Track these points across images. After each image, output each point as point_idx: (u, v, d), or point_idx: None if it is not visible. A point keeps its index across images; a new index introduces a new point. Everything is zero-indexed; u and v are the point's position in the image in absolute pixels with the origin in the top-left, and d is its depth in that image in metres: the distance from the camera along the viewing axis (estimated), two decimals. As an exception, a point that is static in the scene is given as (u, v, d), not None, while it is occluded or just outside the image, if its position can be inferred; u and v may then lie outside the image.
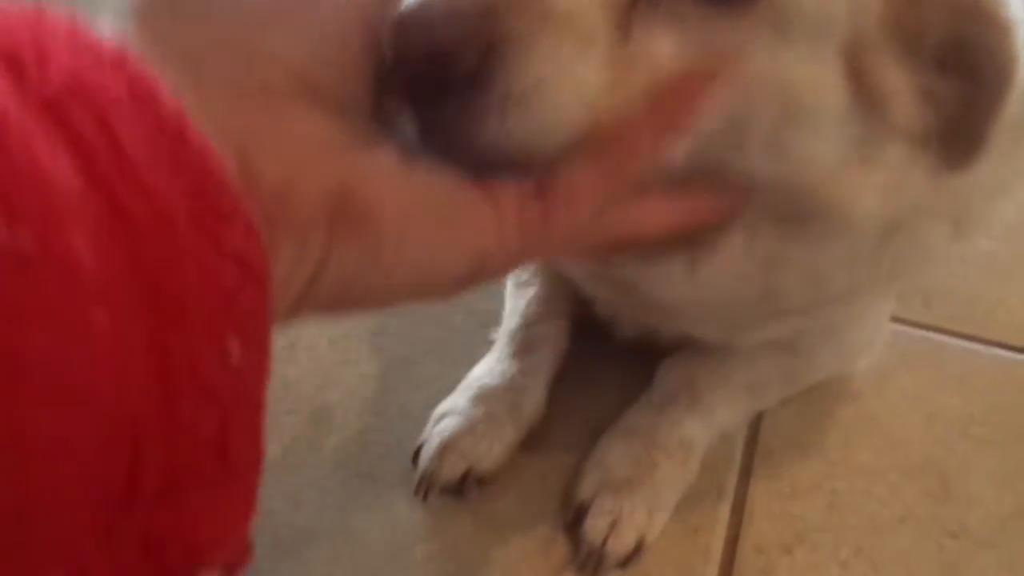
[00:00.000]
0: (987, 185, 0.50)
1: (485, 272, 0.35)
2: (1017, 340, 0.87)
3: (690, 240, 0.45)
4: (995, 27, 0.41)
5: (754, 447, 0.78)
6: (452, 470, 0.70)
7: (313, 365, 0.83)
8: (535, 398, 0.75)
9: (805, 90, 0.40)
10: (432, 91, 0.34)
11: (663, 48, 0.37)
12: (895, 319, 0.83)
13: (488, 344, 0.80)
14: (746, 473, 0.75)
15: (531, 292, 0.80)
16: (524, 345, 0.77)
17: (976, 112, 0.42)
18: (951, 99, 0.41)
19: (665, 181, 0.39)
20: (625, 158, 0.36)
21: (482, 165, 0.34)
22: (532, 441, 0.74)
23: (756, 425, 0.79)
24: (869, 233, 0.47)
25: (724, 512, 0.72)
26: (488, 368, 0.76)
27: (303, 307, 0.30)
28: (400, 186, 0.31)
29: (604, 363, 0.81)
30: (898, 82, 0.41)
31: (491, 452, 0.71)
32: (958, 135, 0.43)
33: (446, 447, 0.71)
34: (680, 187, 0.40)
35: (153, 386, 0.23)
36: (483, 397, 0.73)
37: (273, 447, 0.75)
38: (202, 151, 0.24)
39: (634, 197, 0.38)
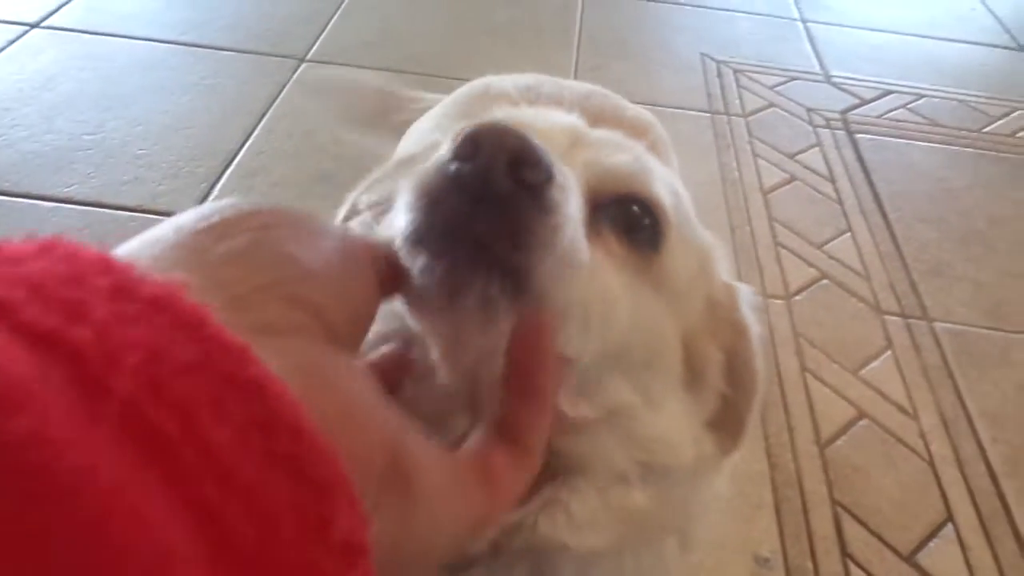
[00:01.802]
0: (700, 500, 0.56)
1: (479, 532, 0.37)
2: None
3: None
4: (749, 345, 0.52)
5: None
6: None
7: None
8: None
9: (664, 341, 0.48)
10: (502, 197, 0.36)
11: (596, 266, 0.43)
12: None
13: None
14: None
15: None
16: None
17: (740, 410, 0.52)
18: (713, 395, 0.52)
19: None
20: (552, 388, 0.40)
21: (509, 297, 0.38)
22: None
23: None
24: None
25: None
26: None
27: None
28: (430, 457, 0.33)
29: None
30: (712, 357, 0.51)
31: None
32: (729, 427, 0.52)
33: None
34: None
35: None
36: None
37: None
38: (297, 429, 0.24)
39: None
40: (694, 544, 0.58)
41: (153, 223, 0.31)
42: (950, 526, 1.08)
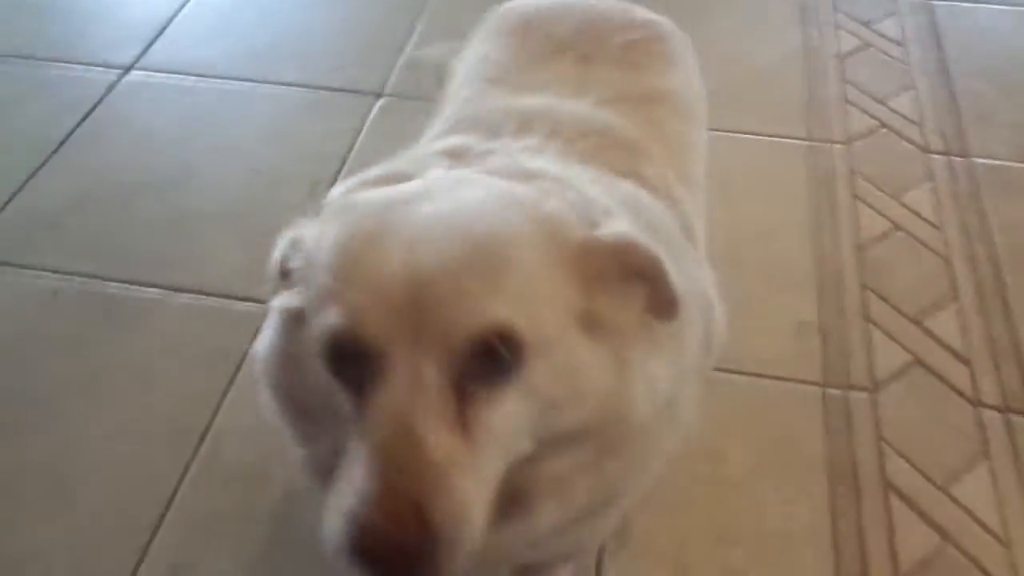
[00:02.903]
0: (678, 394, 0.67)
1: None
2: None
3: (516, 508, 0.60)
4: (641, 249, 0.59)
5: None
6: None
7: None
8: None
9: (580, 371, 0.56)
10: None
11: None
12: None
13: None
14: None
15: None
16: None
17: (659, 288, 0.60)
18: (641, 292, 0.60)
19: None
20: None
21: None
22: None
23: None
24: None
25: None
26: None
27: None
28: None
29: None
30: (611, 309, 0.58)
31: None
32: (662, 304, 0.61)
33: None
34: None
35: None
36: None
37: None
38: None
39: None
40: (682, 425, 0.70)
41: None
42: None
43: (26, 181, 1.65)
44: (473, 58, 1.02)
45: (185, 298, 1.43)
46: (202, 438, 1.24)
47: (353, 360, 0.53)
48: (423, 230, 0.54)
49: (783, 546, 1.13)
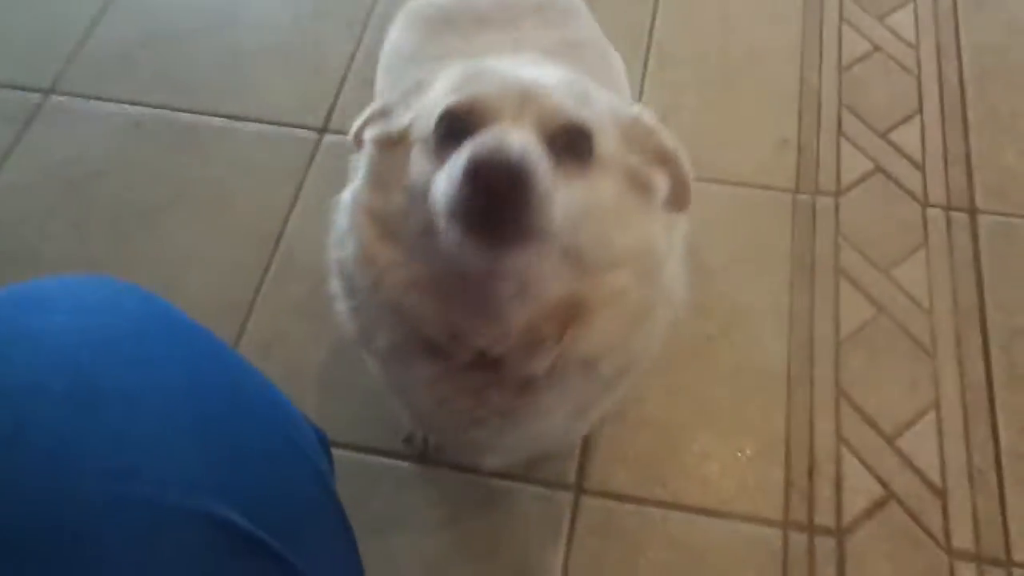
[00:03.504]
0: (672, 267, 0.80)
1: None
2: None
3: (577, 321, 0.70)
4: (668, 139, 0.74)
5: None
6: None
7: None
8: None
9: (623, 198, 0.70)
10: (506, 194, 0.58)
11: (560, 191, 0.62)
12: None
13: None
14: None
15: None
16: None
17: (676, 174, 0.74)
18: (662, 175, 0.73)
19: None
20: None
21: (518, 240, 0.60)
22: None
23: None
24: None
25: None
26: None
27: None
28: None
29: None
30: (645, 172, 0.72)
31: None
32: (676, 191, 0.74)
33: None
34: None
35: None
36: None
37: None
38: None
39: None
40: (676, 298, 0.82)
41: None
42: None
43: (98, 19, 1.85)
44: (391, 49, 1.10)
45: (249, 126, 1.67)
46: (277, 241, 1.51)
47: (461, 133, 0.64)
48: (529, 70, 0.69)
49: (748, 318, 1.41)
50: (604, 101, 0.71)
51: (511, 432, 0.80)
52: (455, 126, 0.65)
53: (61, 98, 1.72)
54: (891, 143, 1.61)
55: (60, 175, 1.62)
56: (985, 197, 1.54)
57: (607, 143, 0.68)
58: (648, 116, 0.75)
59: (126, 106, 1.71)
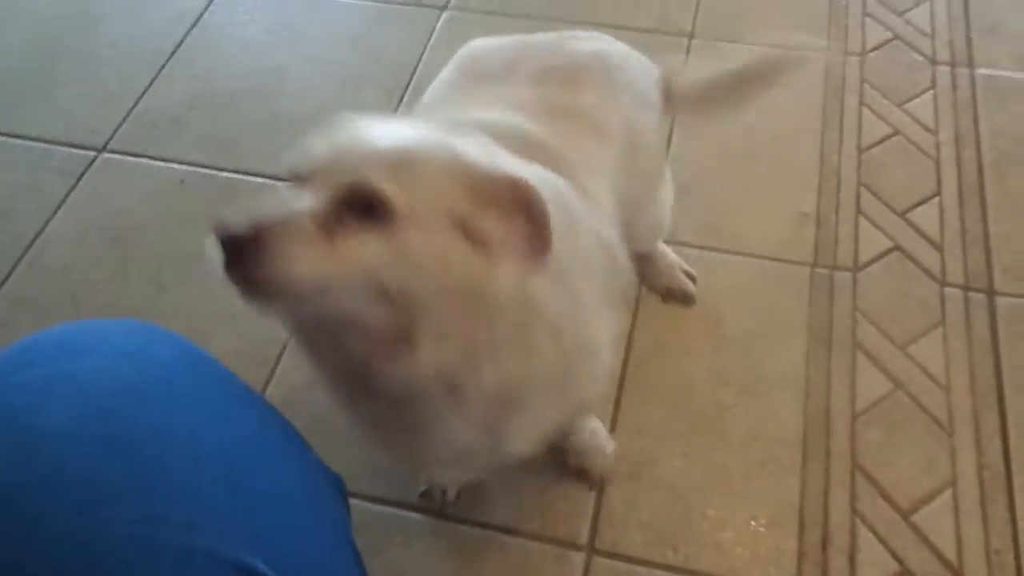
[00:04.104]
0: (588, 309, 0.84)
1: None
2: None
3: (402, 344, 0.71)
4: (528, 191, 0.72)
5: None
6: None
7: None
8: None
9: (449, 250, 0.69)
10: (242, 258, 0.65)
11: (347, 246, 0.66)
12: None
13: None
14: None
15: None
16: None
17: (537, 232, 0.72)
18: (524, 229, 0.72)
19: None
20: None
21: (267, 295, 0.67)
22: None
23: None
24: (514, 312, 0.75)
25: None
26: None
27: None
28: None
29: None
30: (496, 229, 0.71)
31: None
32: (534, 246, 0.73)
33: None
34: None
35: None
36: None
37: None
38: None
39: None
40: (602, 352, 0.91)
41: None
42: (938, 199, 1.67)
43: (155, 80, 1.97)
44: (434, 83, 1.18)
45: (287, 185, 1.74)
46: (308, 296, 1.57)
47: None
48: (380, 129, 0.74)
49: (765, 387, 1.43)
50: (443, 161, 0.73)
51: (419, 441, 0.88)
52: (293, 179, 0.73)
53: (113, 156, 1.82)
54: (909, 222, 1.65)
55: (106, 227, 1.70)
56: (1003, 279, 1.56)
57: (418, 202, 0.69)
58: (517, 170, 0.77)
59: (173, 164, 1.80)
